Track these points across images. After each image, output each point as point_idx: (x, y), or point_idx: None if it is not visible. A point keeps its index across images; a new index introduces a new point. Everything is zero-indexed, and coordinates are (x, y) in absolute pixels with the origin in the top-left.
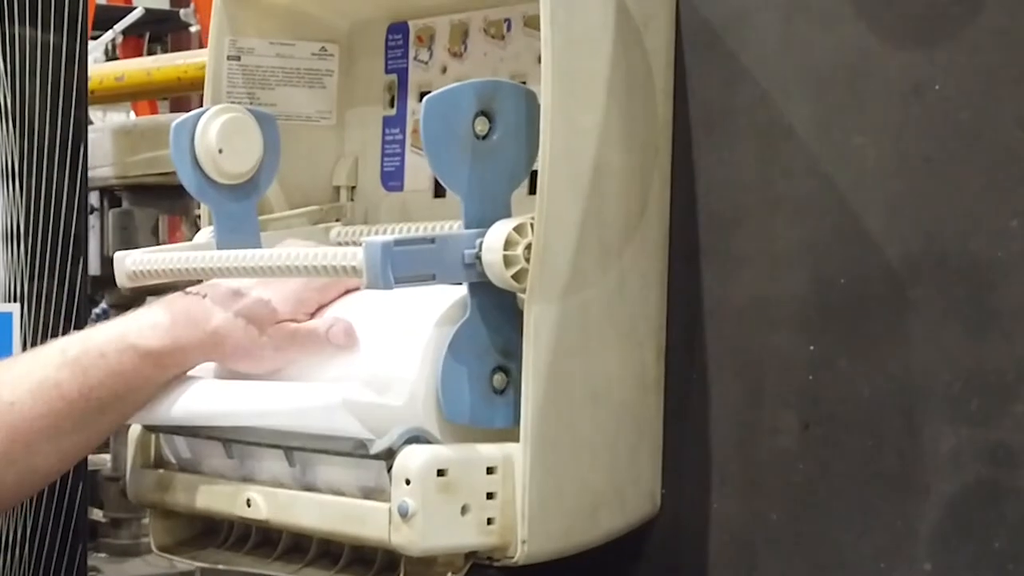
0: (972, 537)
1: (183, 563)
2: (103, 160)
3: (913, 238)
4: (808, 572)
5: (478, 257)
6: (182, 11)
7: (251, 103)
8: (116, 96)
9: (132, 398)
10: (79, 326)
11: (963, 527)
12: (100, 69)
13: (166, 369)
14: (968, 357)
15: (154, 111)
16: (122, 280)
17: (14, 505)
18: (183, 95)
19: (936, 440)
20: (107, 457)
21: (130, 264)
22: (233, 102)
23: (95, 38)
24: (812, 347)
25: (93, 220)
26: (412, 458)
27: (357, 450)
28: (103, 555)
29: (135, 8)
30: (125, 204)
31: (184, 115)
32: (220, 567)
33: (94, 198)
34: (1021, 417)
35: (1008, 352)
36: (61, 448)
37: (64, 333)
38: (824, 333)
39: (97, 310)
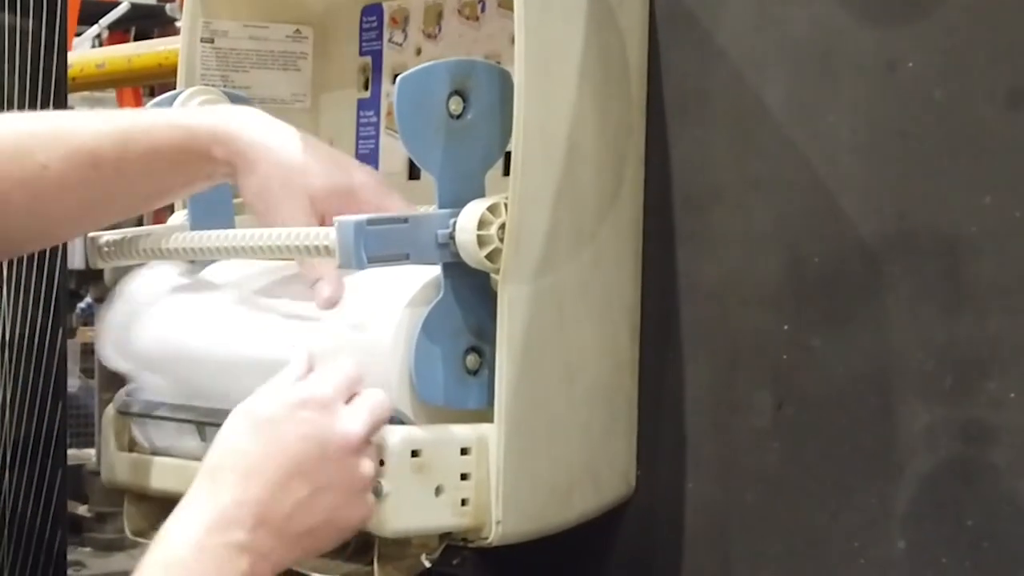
0: (946, 515)
1: None
2: None
3: (887, 216)
4: (782, 551)
5: (452, 237)
6: (168, 6)
7: (225, 86)
8: (97, 84)
9: (169, 180)
10: (57, 311)
11: (937, 505)
12: (81, 56)
13: (213, 159)
14: (942, 334)
15: (139, 103)
16: (93, 259)
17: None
18: (167, 84)
19: (910, 418)
20: (92, 452)
21: (102, 243)
22: (207, 85)
23: (80, 34)
24: (786, 326)
25: None
26: (386, 438)
27: None
28: (88, 549)
29: (121, 3)
30: None
31: (158, 97)
32: None
33: None
34: (994, 394)
35: (981, 329)
36: (84, 216)
37: (42, 319)
38: (798, 312)
39: (82, 304)
